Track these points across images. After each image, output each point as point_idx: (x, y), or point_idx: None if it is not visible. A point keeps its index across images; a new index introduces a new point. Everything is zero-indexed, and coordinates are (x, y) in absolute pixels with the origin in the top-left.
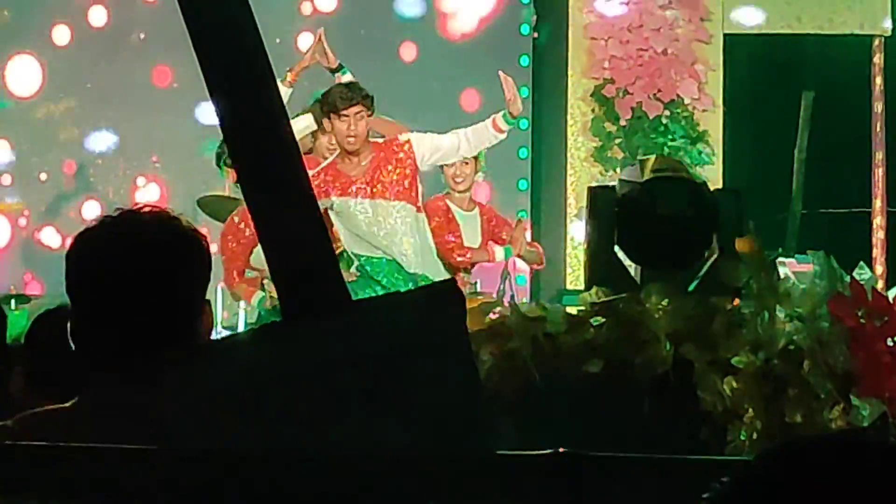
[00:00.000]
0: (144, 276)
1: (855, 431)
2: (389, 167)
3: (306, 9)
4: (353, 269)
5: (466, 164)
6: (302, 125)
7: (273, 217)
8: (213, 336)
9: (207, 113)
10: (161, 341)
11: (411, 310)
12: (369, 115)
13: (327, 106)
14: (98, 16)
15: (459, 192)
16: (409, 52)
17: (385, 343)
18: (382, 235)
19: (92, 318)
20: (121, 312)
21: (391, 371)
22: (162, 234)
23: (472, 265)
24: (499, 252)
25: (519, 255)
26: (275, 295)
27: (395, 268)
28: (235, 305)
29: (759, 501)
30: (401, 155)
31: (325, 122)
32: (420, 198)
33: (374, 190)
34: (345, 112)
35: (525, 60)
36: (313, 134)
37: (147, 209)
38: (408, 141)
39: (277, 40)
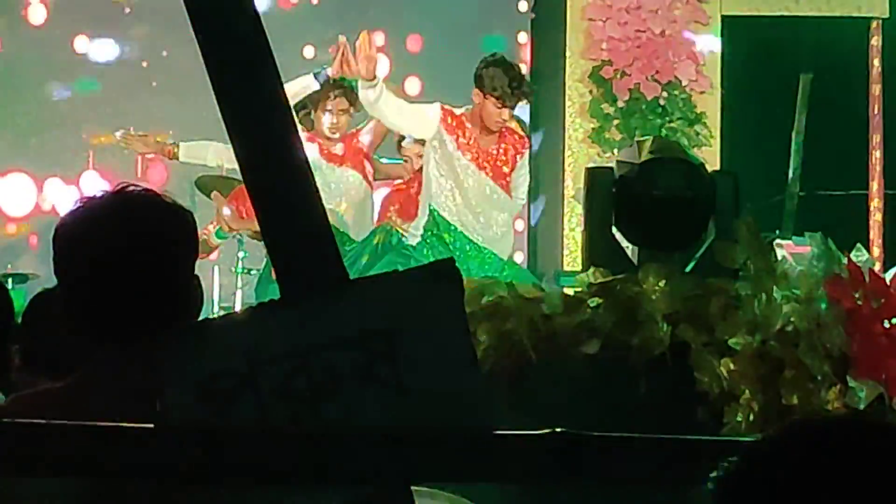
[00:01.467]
0: (133, 255)
1: (862, 413)
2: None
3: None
4: None
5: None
6: (298, 87)
7: (269, 193)
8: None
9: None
10: (152, 318)
11: (409, 288)
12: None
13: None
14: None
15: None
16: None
17: (382, 321)
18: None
19: (82, 298)
20: (110, 292)
21: (389, 349)
22: (149, 212)
23: None
24: None
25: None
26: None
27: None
28: (232, 286)
29: (770, 482)
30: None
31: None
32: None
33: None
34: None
35: (523, 38)
36: (314, 114)
37: (132, 188)
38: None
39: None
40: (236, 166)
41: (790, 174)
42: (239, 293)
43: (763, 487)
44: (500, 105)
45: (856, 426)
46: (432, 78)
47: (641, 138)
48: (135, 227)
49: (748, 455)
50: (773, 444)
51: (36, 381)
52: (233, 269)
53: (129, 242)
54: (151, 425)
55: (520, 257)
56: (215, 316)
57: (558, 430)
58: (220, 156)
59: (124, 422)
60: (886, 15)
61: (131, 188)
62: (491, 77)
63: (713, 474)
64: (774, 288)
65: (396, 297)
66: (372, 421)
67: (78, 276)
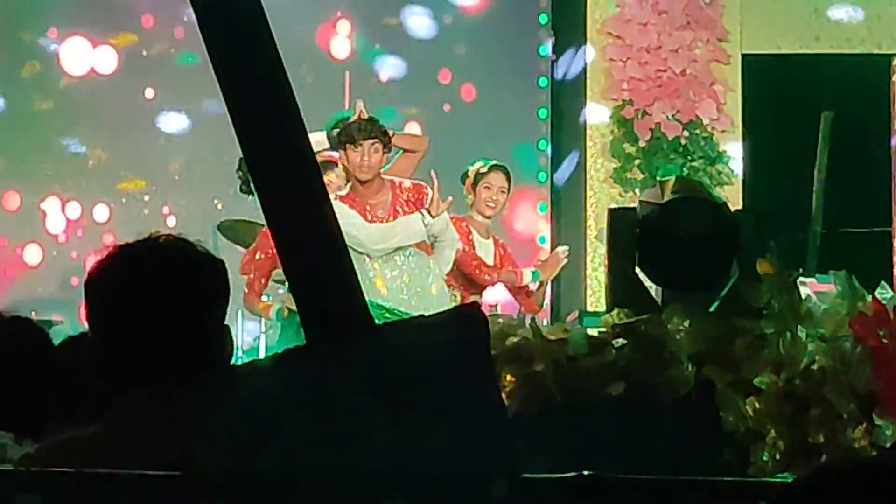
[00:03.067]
0: (164, 302)
1: (890, 454)
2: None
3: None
4: None
5: (503, 192)
6: (313, 141)
7: (296, 242)
8: (234, 361)
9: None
10: (183, 366)
11: (436, 332)
12: (385, 152)
13: (344, 136)
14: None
15: (484, 217)
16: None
17: (409, 365)
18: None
19: (112, 344)
20: (140, 338)
21: (415, 393)
22: (179, 260)
23: (495, 284)
24: (526, 274)
25: (542, 282)
26: (290, 305)
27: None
28: (257, 330)
29: None
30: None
31: (340, 152)
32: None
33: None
34: (360, 143)
35: (544, 81)
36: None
37: (163, 236)
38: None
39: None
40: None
41: (812, 212)
42: (263, 337)
43: None
44: (359, 147)
45: (889, 471)
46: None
47: (664, 178)
48: (166, 276)
49: (782, 499)
50: (809, 488)
51: (64, 428)
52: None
53: (160, 290)
54: (178, 473)
55: (547, 296)
56: (240, 361)
57: (585, 473)
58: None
59: (152, 469)
60: None
61: (162, 236)
62: (339, 133)
63: None
64: (799, 326)
65: (422, 343)
66: (398, 465)
67: (109, 322)
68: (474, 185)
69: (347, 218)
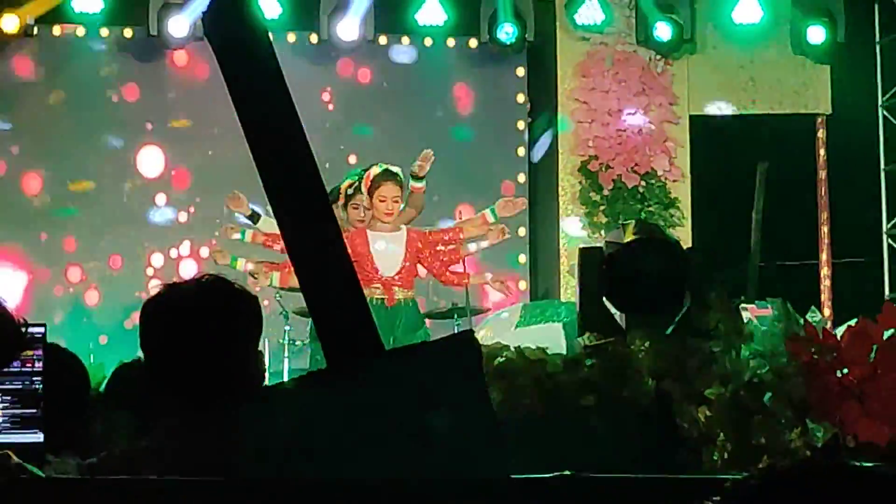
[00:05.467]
0: (207, 333)
1: (832, 457)
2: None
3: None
4: None
5: (397, 202)
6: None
7: (316, 279)
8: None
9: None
10: (224, 385)
11: (437, 357)
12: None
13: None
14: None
15: (384, 222)
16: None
17: (413, 386)
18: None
19: (163, 368)
20: (187, 364)
21: (421, 408)
22: (220, 297)
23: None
24: (489, 215)
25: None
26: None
27: None
28: (281, 353)
29: None
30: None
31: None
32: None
33: None
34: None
35: (522, 151)
36: (345, 207)
37: (206, 276)
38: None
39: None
40: None
41: (751, 248)
42: (286, 361)
43: None
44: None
45: (829, 471)
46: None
47: (625, 222)
48: (209, 311)
49: (734, 495)
50: (754, 487)
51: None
52: (280, 341)
53: (204, 323)
54: (223, 479)
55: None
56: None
57: (565, 473)
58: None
59: (200, 475)
60: (829, 112)
61: (206, 277)
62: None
63: None
64: (742, 346)
65: (424, 366)
66: (408, 469)
67: (162, 349)
68: (370, 193)
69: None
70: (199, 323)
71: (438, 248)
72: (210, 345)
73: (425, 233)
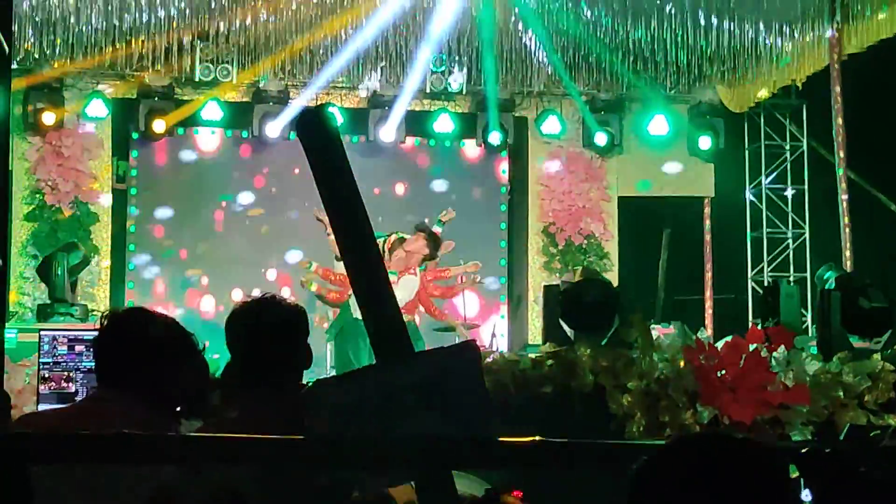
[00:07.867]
0: (270, 335)
1: (721, 430)
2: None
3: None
4: None
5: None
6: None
7: (370, 301)
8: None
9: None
10: (284, 372)
11: (450, 356)
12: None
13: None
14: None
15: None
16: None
17: (432, 376)
18: None
19: (242, 361)
20: (258, 357)
21: (437, 391)
22: (276, 309)
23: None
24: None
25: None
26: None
27: None
28: (322, 345)
29: (670, 470)
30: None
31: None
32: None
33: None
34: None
35: (503, 225)
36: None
37: (270, 295)
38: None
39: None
40: None
41: (658, 286)
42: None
43: (665, 475)
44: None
45: (716, 440)
46: None
47: (574, 268)
48: (269, 320)
49: (657, 456)
50: (673, 448)
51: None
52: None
53: (265, 329)
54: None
55: (506, 334)
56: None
57: (537, 438)
58: None
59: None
60: (713, 195)
61: (265, 295)
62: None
63: (635, 465)
64: (653, 353)
65: (440, 362)
66: (428, 430)
67: (239, 348)
68: (391, 250)
69: None
70: (268, 329)
71: (432, 282)
72: (272, 343)
73: (428, 278)
